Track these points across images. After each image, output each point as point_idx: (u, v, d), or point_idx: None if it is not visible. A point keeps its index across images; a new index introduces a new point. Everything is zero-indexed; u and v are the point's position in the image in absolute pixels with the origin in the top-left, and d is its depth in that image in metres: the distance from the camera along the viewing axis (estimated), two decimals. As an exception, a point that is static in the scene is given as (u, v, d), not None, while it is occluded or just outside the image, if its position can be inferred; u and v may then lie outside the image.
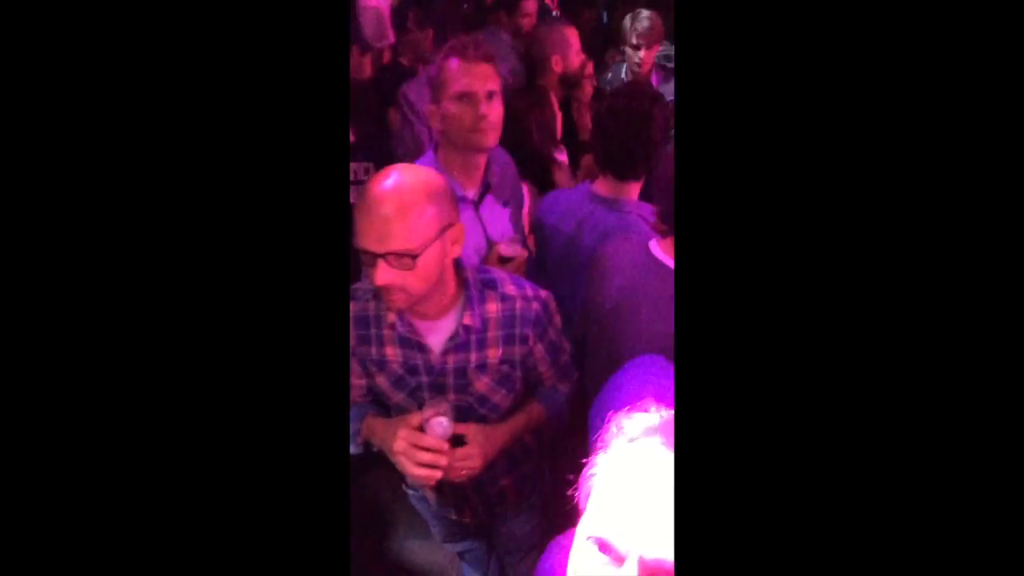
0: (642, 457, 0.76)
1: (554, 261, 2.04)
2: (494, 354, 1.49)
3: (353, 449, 1.58)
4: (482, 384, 1.51)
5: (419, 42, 3.01)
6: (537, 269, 2.09)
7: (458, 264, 1.46)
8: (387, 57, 3.03)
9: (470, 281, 1.47)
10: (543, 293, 1.53)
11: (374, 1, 3.17)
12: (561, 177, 2.46)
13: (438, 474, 1.40)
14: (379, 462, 1.58)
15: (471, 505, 1.76)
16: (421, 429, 1.42)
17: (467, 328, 1.46)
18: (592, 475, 0.79)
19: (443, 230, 1.31)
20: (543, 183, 2.41)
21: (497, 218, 1.96)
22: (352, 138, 2.50)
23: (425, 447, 1.39)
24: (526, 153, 2.29)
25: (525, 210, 2.17)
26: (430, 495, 1.74)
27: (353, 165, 2.98)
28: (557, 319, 1.56)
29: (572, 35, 2.78)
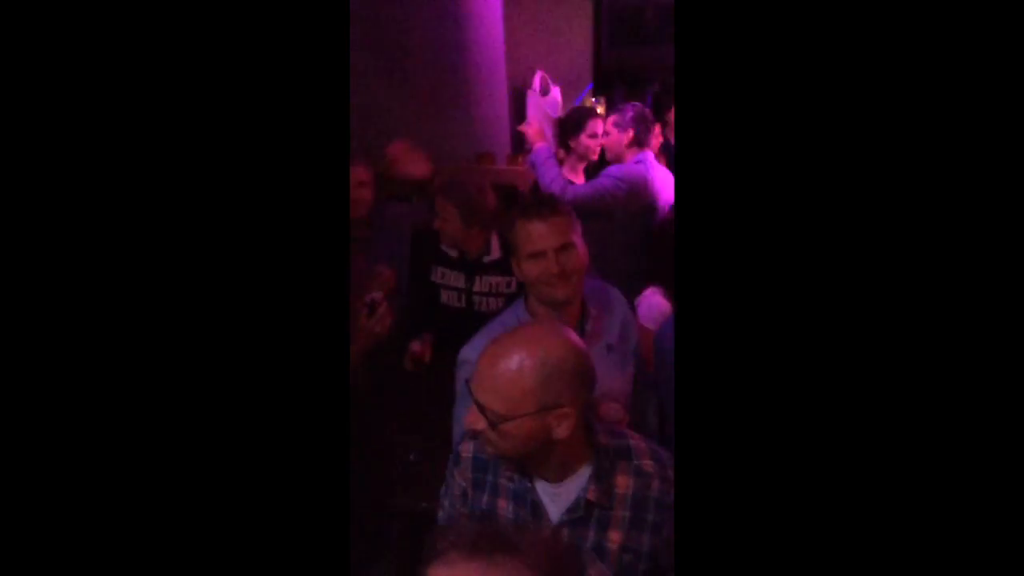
0: None
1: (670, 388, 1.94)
2: (616, 537, 1.27)
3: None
4: (595, 573, 1.26)
5: (620, 144, 3.19)
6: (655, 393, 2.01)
7: (588, 423, 1.32)
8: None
9: (601, 447, 1.29)
10: None
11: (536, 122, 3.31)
12: None
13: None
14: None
15: None
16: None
17: (589, 503, 1.27)
18: None
19: (544, 410, 1.20)
20: None
21: (600, 369, 1.86)
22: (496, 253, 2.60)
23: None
24: None
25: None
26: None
27: None
28: None
29: None
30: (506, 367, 1.20)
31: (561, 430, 1.22)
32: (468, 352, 1.74)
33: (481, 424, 1.22)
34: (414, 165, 2.72)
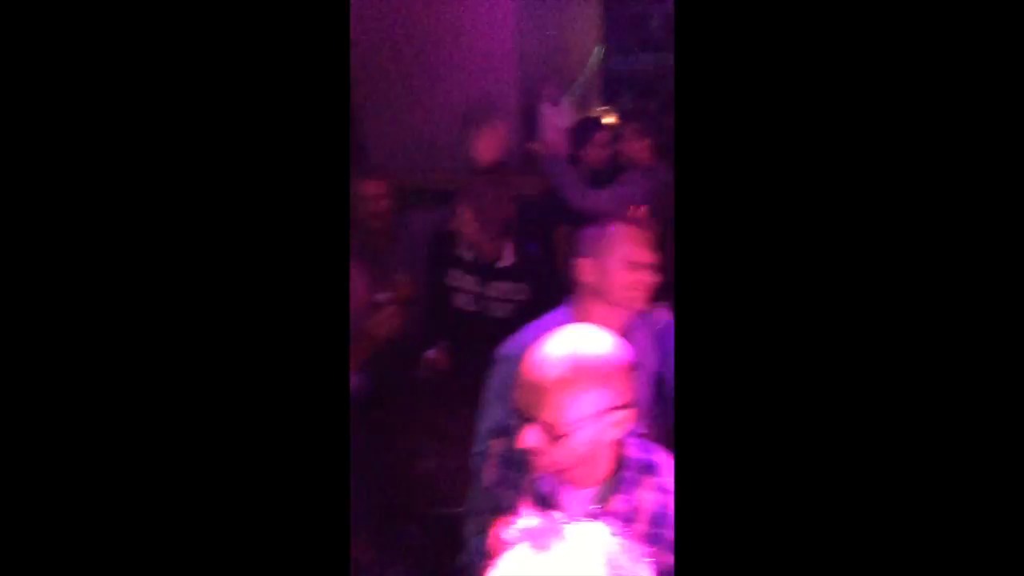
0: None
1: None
2: None
3: None
4: None
5: (639, 151, 3.23)
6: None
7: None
8: None
9: (626, 459, 1.28)
10: None
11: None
12: None
13: None
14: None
15: None
16: None
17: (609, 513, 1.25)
18: None
19: (604, 413, 1.18)
20: None
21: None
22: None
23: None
24: None
25: None
26: None
27: None
28: None
29: None
30: (562, 375, 1.16)
31: (617, 431, 1.20)
32: (509, 350, 1.73)
33: (537, 441, 1.18)
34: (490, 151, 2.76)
